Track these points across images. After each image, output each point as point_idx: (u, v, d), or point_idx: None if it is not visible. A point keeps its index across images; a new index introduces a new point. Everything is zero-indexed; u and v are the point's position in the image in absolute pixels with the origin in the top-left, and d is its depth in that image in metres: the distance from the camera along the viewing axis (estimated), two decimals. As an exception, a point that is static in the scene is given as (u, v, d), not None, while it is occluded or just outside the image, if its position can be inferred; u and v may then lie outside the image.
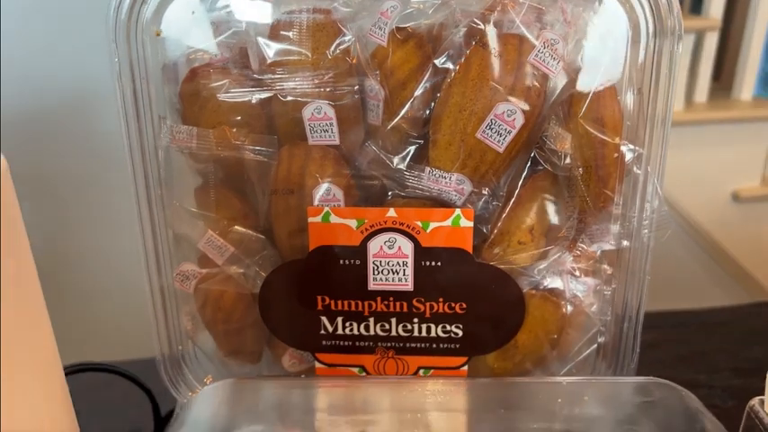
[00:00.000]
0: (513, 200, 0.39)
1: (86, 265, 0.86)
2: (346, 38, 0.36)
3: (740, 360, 0.56)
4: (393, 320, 0.41)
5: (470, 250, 0.39)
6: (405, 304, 0.40)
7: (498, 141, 0.36)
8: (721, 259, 1.42)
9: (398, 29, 0.36)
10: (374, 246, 0.39)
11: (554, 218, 0.40)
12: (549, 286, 0.40)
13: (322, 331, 0.41)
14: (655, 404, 0.29)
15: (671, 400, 0.29)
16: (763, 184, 1.48)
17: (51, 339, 0.31)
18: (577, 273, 0.40)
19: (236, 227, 0.40)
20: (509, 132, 0.36)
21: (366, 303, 0.40)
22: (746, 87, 1.42)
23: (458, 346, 0.41)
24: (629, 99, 0.37)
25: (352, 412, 0.33)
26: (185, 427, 0.29)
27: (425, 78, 0.37)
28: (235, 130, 0.38)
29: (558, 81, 0.36)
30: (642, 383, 0.31)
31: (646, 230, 0.39)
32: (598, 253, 0.40)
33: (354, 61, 0.37)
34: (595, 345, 0.42)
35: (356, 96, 0.37)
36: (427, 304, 0.40)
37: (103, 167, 0.70)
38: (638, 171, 0.38)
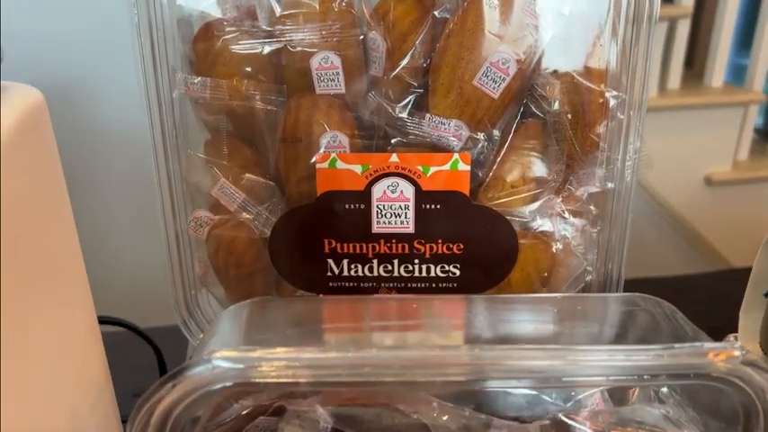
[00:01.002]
0: (506, 146, 0.42)
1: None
2: (351, -8, 0.39)
3: (713, 320, 0.60)
4: (395, 262, 0.44)
5: (467, 193, 0.42)
6: (406, 246, 0.43)
7: (493, 88, 0.39)
8: (694, 241, 1.47)
9: (400, -17, 0.39)
10: (378, 190, 0.42)
11: (544, 163, 0.43)
12: (540, 228, 0.44)
13: (328, 273, 0.44)
14: (640, 311, 0.32)
15: (654, 308, 0.32)
16: (734, 169, 1.53)
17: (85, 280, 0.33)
18: (566, 215, 0.43)
19: (247, 175, 0.43)
20: (503, 79, 0.39)
21: (370, 246, 0.43)
22: (717, 75, 1.47)
23: (455, 285, 0.44)
24: (612, 48, 0.40)
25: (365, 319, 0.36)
26: (217, 336, 0.31)
27: (425, 30, 0.40)
28: (246, 81, 0.41)
29: (548, 31, 0.39)
30: (628, 297, 0.34)
31: (629, 171, 0.42)
32: (585, 195, 0.43)
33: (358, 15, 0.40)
34: (582, 283, 0.45)
35: (360, 47, 0.40)
36: (427, 246, 0.43)
37: (120, 122, 0.70)
38: (622, 116, 0.41)
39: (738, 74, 1.50)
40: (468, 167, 0.41)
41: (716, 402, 0.33)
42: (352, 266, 0.44)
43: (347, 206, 0.42)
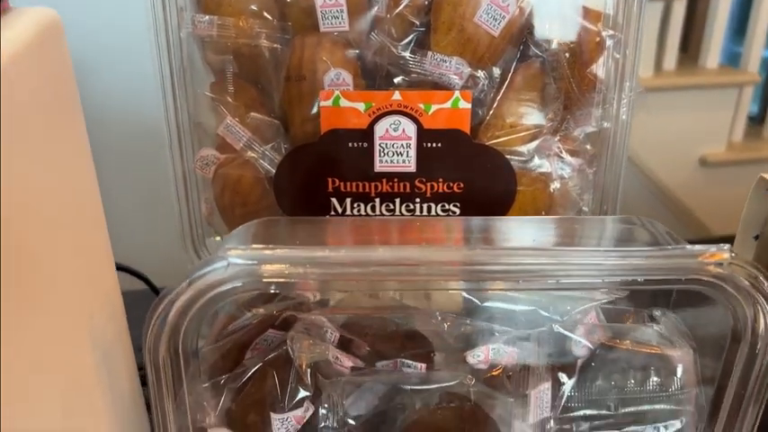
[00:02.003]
0: (505, 85, 0.43)
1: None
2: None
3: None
4: (397, 201, 0.45)
5: (468, 131, 0.43)
6: (408, 185, 0.44)
7: (493, 26, 0.41)
8: (687, 220, 1.49)
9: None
10: (380, 128, 0.43)
11: (542, 102, 0.44)
12: (538, 168, 0.45)
13: (332, 212, 0.45)
14: (637, 228, 0.33)
15: (651, 227, 0.33)
16: (728, 150, 1.54)
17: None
18: (563, 154, 0.45)
19: (252, 113, 0.44)
20: (503, 17, 0.40)
21: (372, 185, 0.44)
22: (712, 56, 1.48)
23: (455, 225, 0.45)
24: (608, -12, 0.41)
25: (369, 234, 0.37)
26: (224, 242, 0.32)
27: (428, -32, 0.41)
28: (251, 20, 0.42)
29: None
30: (625, 216, 0.35)
31: (624, 110, 0.43)
32: (582, 135, 0.45)
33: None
34: (579, 224, 0.46)
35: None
36: (428, 184, 0.44)
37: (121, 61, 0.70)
38: (618, 56, 0.42)
39: (734, 60, 1.51)
40: (469, 105, 0.42)
41: (705, 320, 0.34)
42: (355, 205, 0.45)
43: (350, 144, 0.43)
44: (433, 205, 0.45)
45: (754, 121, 1.61)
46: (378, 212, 0.45)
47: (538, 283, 0.30)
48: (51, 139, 0.29)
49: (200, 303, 0.29)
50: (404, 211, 0.45)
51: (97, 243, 0.34)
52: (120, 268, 0.47)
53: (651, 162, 1.44)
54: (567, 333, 0.34)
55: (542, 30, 0.42)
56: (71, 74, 0.33)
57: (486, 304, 0.36)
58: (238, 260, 0.28)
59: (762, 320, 0.30)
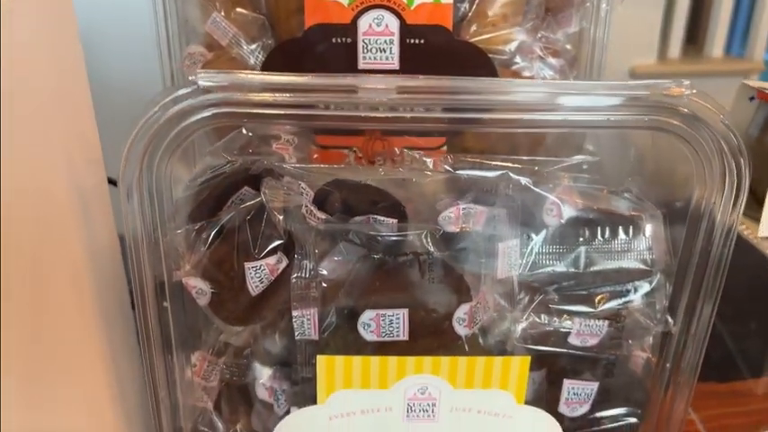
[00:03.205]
0: (488, -19, 0.44)
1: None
2: None
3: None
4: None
5: (450, 27, 0.43)
6: (391, 83, 0.45)
7: None
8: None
9: None
10: (363, 23, 0.44)
11: (524, 1, 0.44)
12: (520, 69, 0.45)
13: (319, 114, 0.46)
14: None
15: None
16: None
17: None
18: (545, 55, 0.45)
19: (238, 9, 0.45)
20: None
21: (356, 83, 0.45)
22: (717, 45, 1.49)
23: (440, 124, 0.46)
24: None
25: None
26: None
27: None
28: None
29: None
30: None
31: (603, 10, 0.44)
32: (563, 37, 0.45)
33: None
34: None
35: None
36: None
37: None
38: (598, -47, 0.43)
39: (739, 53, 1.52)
40: (452, 0, 0.43)
41: (671, 190, 0.35)
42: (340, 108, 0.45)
43: (334, 40, 0.44)
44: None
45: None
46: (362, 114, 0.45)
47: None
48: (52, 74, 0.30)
49: (173, 133, 0.29)
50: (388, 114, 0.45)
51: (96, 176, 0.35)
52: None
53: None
54: (539, 190, 0.34)
55: (524, -73, 0.43)
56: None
57: (458, 172, 0.36)
58: (209, 82, 0.28)
59: (724, 159, 0.31)
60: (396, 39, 0.44)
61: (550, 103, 0.31)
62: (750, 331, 0.52)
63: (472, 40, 0.44)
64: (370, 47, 0.44)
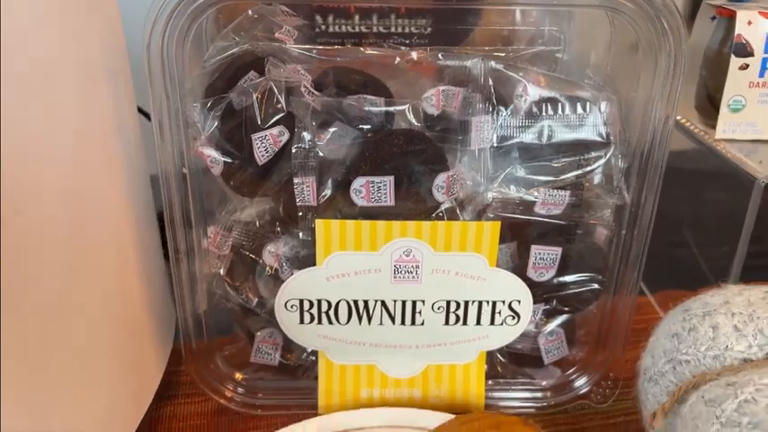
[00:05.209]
0: None
1: None
2: None
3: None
4: (374, 17, 0.51)
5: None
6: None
7: None
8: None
9: None
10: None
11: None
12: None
13: (316, 29, 0.51)
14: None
15: None
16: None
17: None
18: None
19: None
20: None
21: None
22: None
23: (427, 41, 0.51)
24: None
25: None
26: None
27: None
28: None
29: None
30: None
31: None
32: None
33: None
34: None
35: None
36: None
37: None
38: None
39: None
40: None
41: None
42: (337, 21, 0.51)
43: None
44: (407, 21, 0.50)
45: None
46: (357, 29, 0.51)
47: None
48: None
49: (188, 11, 0.35)
50: (381, 28, 0.51)
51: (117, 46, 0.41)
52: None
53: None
54: (509, 72, 0.39)
55: None
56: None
57: (438, 62, 0.41)
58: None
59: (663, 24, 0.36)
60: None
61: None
62: (715, 234, 0.56)
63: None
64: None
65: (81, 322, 0.37)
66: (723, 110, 0.52)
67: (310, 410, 0.47)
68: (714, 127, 0.53)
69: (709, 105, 0.54)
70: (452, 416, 0.44)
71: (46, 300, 0.33)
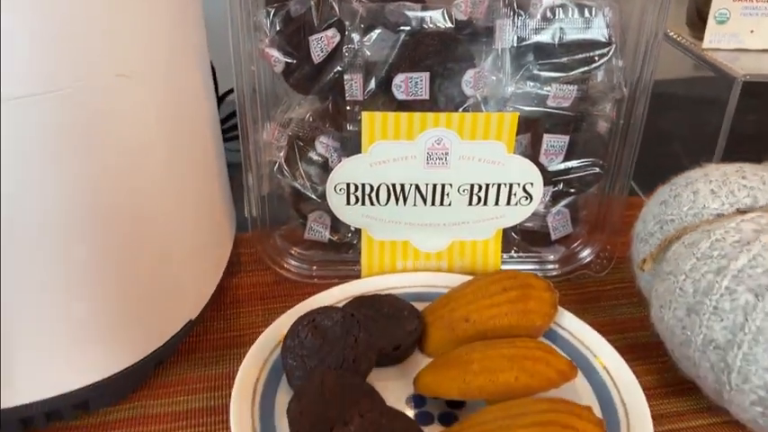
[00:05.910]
0: None
1: None
2: None
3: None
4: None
5: None
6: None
7: None
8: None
9: None
10: None
11: None
12: None
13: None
14: None
15: None
16: None
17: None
18: None
19: None
20: None
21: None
22: None
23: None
24: None
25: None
26: None
27: None
28: None
29: None
30: None
31: None
32: None
33: None
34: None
35: None
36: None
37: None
38: None
39: None
40: None
41: None
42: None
43: None
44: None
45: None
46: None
47: None
48: None
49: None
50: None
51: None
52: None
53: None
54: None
55: None
56: None
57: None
58: None
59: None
60: None
61: None
62: (699, 132, 0.64)
63: None
64: None
65: (182, 193, 0.44)
66: (710, 21, 0.59)
67: (355, 279, 0.55)
68: (702, 39, 0.60)
69: (698, 20, 0.61)
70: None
71: (157, 169, 0.41)
